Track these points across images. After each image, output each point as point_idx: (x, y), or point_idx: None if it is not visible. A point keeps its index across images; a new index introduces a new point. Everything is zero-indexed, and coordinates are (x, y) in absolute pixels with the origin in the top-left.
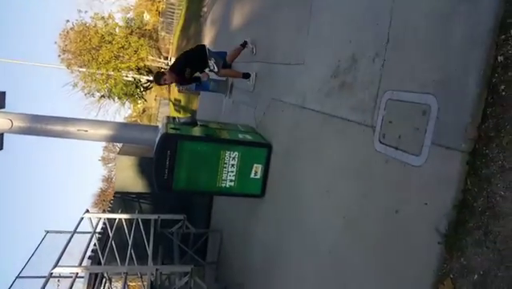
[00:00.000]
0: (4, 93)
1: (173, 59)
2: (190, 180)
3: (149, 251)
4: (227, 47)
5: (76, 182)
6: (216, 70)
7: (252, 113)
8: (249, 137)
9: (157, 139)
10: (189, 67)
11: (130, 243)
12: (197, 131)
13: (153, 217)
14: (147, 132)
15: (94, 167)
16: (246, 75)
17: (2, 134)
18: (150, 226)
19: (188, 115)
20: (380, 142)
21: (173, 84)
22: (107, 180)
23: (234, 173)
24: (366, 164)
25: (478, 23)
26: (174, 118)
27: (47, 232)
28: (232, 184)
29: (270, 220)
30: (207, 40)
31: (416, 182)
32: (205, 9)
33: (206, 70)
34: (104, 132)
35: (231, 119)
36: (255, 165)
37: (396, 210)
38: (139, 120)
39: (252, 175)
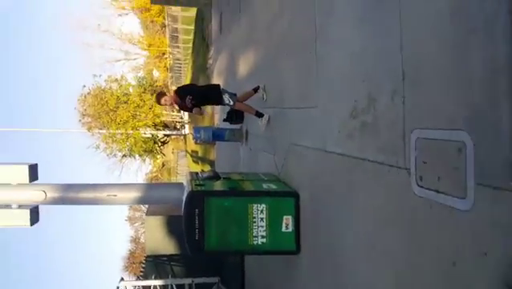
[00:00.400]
0: (36, 165)
1: (186, 112)
2: (221, 239)
3: None
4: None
5: (104, 244)
6: (231, 103)
7: (272, 160)
8: (273, 187)
9: (184, 197)
10: (192, 97)
11: None
12: (220, 185)
13: (187, 281)
14: (173, 191)
15: (121, 227)
16: (260, 114)
17: (38, 206)
18: None
19: (209, 168)
20: (419, 185)
21: (189, 137)
22: (135, 240)
23: (265, 228)
24: (408, 210)
25: (496, 49)
26: (197, 173)
27: None
28: (264, 240)
29: (309, 279)
30: None
31: (468, 229)
32: (210, 61)
33: (225, 101)
34: (132, 195)
35: (251, 167)
36: (285, 217)
37: (453, 262)
38: (159, 175)
39: (283, 228)
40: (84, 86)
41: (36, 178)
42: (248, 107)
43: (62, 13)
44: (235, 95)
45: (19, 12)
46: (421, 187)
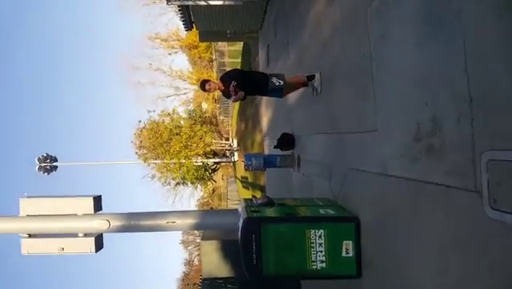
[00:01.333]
0: (100, 197)
1: (235, 140)
2: (279, 264)
3: None
4: (285, 125)
5: (159, 267)
6: (281, 83)
7: (327, 185)
8: (331, 212)
9: (240, 224)
10: (237, 83)
11: None
12: (276, 211)
13: None
14: (227, 217)
15: (175, 250)
16: (310, 77)
17: (102, 234)
18: None
19: (261, 194)
20: (493, 208)
21: (240, 162)
22: (189, 263)
23: (324, 253)
24: (482, 234)
25: None
26: (251, 199)
27: None
28: (323, 265)
29: None
30: (265, 119)
31: None
32: None
33: (275, 83)
34: (190, 221)
35: (304, 193)
36: (345, 242)
37: None
38: (210, 201)
39: (343, 253)
40: (140, 121)
41: (100, 208)
42: (297, 77)
43: (116, 55)
44: (283, 74)
45: (78, 55)
46: (496, 210)
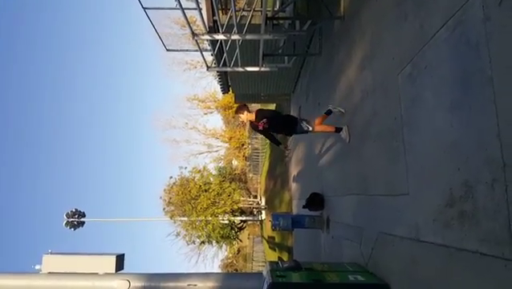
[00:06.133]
0: (123, 255)
1: (263, 198)
2: None
3: None
4: (314, 185)
5: None
6: (310, 128)
7: (357, 249)
8: (361, 278)
9: (264, 288)
10: (267, 121)
11: None
12: (303, 276)
13: None
14: (251, 280)
15: None
16: (338, 129)
17: None
18: None
19: (288, 256)
20: None
21: (267, 221)
22: None
23: None
24: None
25: None
26: (277, 263)
27: None
28: None
29: None
30: (293, 180)
31: None
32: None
33: (303, 128)
34: (212, 284)
35: (334, 256)
36: None
37: None
38: (235, 261)
39: None
40: (171, 177)
41: (122, 267)
42: (325, 126)
43: (155, 114)
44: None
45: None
46: None
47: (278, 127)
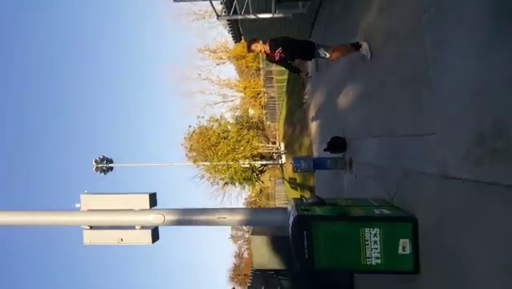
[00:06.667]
0: (155, 194)
1: (282, 144)
2: (332, 259)
3: None
4: (336, 129)
5: (210, 258)
6: (327, 55)
7: (382, 187)
8: (386, 212)
9: (290, 221)
10: (283, 50)
11: None
12: (327, 210)
13: None
14: (277, 215)
15: (225, 244)
16: (357, 45)
17: (157, 227)
18: None
19: (311, 194)
20: None
21: (288, 164)
22: (239, 255)
23: (379, 250)
24: None
25: None
26: (301, 199)
27: None
28: (378, 261)
29: None
30: (313, 125)
31: None
32: (306, 96)
33: (321, 54)
34: (240, 217)
35: (357, 195)
36: (401, 240)
37: None
38: (258, 200)
39: (400, 251)
40: (190, 126)
41: (155, 204)
42: (343, 47)
43: (167, 67)
44: (330, 46)
45: (136, 65)
46: None
47: (294, 53)
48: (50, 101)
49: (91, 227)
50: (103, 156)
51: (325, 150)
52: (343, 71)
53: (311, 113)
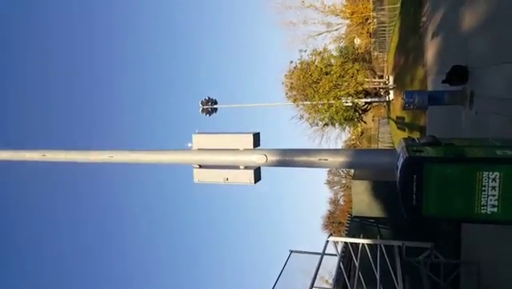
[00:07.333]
0: (259, 134)
1: (391, 78)
2: (442, 206)
3: (399, 282)
4: (458, 57)
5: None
6: None
7: (508, 124)
8: (511, 153)
9: (399, 163)
10: None
11: (378, 272)
12: (442, 151)
13: (397, 243)
14: (383, 157)
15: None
16: None
17: (260, 168)
18: (394, 253)
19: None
20: None
21: (396, 101)
22: (334, 202)
23: (496, 197)
24: None
25: None
26: (413, 139)
27: (291, 252)
28: (494, 209)
29: None
30: (431, 51)
31: None
32: (424, 18)
33: None
34: (342, 159)
35: (476, 133)
36: None
37: None
38: (358, 143)
39: None
40: (291, 62)
41: (258, 144)
42: None
43: None
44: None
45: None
46: None
47: None
48: (165, 47)
49: (200, 166)
50: (209, 98)
51: (443, 82)
52: None
53: (429, 38)
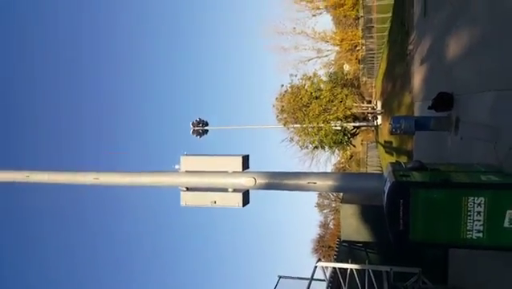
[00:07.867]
0: (248, 156)
1: (379, 103)
2: (428, 231)
3: None
4: (443, 84)
5: (293, 227)
6: None
7: (491, 150)
8: (494, 178)
9: (386, 188)
10: None
11: None
12: (428, 176)
13: (385, 269)
14: (372, 181)
15: (309, 213)
16: None
17: (248, 191)
18: (382, 278)
19: (408, 160)
20: None
21: (384, 126)
22: (324, 225)
23: (482, 222)
24: None
25: None
26: (400, 163)
27: (280, 277)
28: (480, 234)
29: None
30: (417, 78)
31: None
32: (410, 46)
33: None
34: (331, 183)
35: (462, 159)
36: (509, 212)
37: None
38: (347, 166)
39: (506, 224)
40: (282, 85)
41: (247, 167)
42: None
43: (260, 22)
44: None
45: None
46: None
47: None
48: (160, 66)
49: (187, 189)
50: (200, 119)
51: (429, 108)
52: (456, 18)
53: (415, 66)
